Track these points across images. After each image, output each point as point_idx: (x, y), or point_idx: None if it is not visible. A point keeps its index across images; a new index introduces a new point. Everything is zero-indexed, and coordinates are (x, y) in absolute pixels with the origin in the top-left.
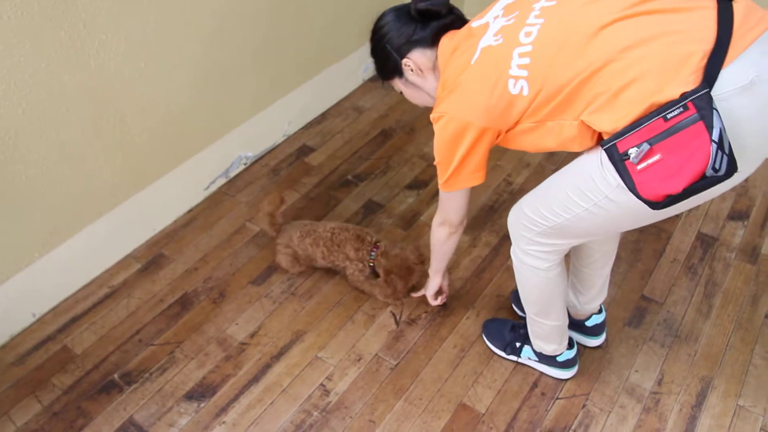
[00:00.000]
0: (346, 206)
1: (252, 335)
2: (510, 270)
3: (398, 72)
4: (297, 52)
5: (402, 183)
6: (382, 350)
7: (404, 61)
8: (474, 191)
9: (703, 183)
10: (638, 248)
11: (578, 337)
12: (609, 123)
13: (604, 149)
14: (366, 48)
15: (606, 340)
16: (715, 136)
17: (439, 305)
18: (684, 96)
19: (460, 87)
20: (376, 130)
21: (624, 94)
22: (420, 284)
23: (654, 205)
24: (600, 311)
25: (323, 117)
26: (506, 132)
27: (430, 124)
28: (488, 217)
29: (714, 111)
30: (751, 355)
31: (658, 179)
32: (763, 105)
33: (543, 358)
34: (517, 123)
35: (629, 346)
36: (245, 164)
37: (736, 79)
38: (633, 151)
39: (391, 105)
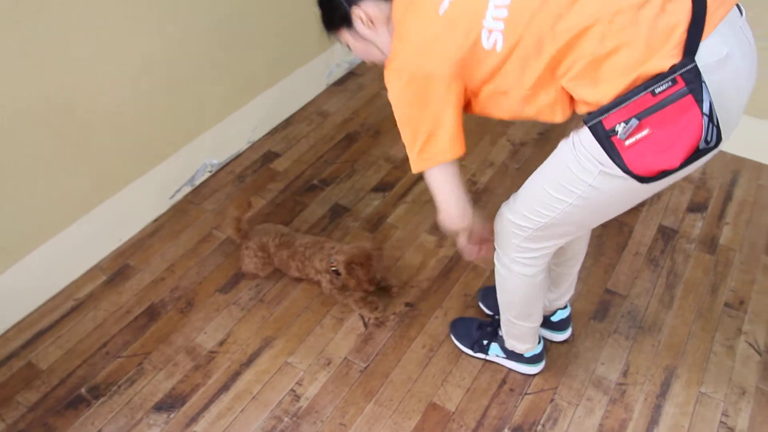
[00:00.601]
0: (312, 211)
1: (221, 343)
2: (477, 269)
3: (347, 22)
4: (260, 59)
5: (368, 186)
6: (351, 353)
7: (354, 10)
8: None
9: (696, 155)
10: (601, 243)
11: (544, 333)
12: (592, 94)
13: (588, 126)
14: (330, 53)
15: (572, 334)
16: (706, 109)
17: (485, 255)
18: (673, 69)
19: (422, 38)
20: (341, 134)
21: (608, 63)
22: (385, 276)
23: (645, 180)
24: (565, 306)
25: (288, 122)
26: (474, 94)
27: (396, 126)
28: None
29: (703, 84)
30: (711, 343)
31: (651, 154)
32: (734, 78)
33: (511, 355)
34: (483, 84)
35: (595, 339)
36: (210, 172)
37: (713, 53)
38: (621, 127)
39: (356, 109)
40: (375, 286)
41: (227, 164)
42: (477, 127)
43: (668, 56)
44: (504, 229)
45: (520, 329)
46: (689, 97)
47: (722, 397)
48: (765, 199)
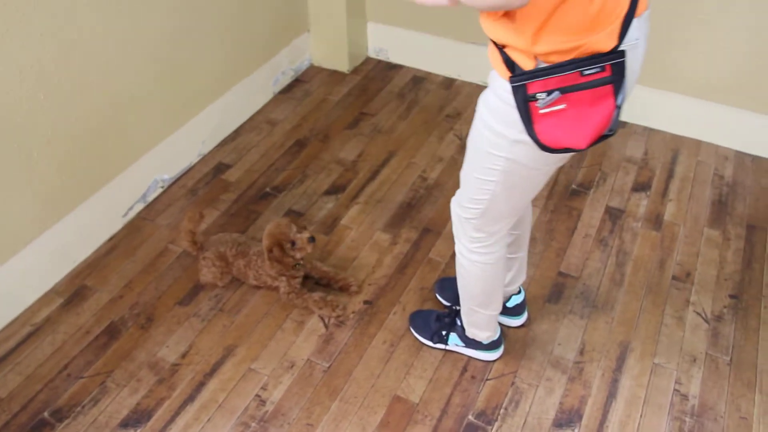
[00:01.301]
0: (266, 218)
1: (183, 355)
2: (432, 262)
3: None
4: (204, 72)
5: (320, 190)
6: (313, 354)
7: None
8: (390, 189)
9: (599, 140)
10: (551, 228)
11: (501, 319)
12: (539, 45)
13: (512, 84)
14: (274, 62)
15: (528, 318)
16: (620, 101)
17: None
18: (609, 54)
19: None
20: (290, 140)
21: (570, 10)
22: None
23: (548, 150)
24: (519, 291)
25: (237, 133)
26: None
27: (345, 129)
28: (407, 213)
29: (624, 78)
30: (662, 316)
31: (561, 129)
32: (636, 62)
33: (470, 343)
34: None
35: (551, 321)
36: (162, 187)
37: (630, 38)
38: (542, 96)
39: (304, 115)
40: (309, 248)
41: (179, 178)
42: (424, 124)
43: (608, 36)
44: (456, 221)
45: (481, 317)
46: (610, 87)
47: (675, 366)
48: (704, 175)
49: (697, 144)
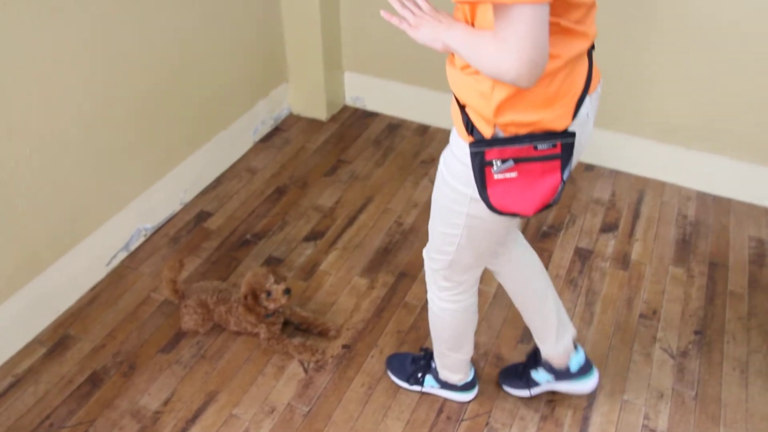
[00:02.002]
0: (247, 265)
1: (165, 403)
2: (408, 305)
3: None
4: (184, 124)
5: (299, 236)
6: (293, 399)
7: None
8: (367, 235)
9: (544, 209)
10: None
11: (571, 386)
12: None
13: (472, 150)
14: (254, 110)
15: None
16: (566, 176)
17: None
18: (562, 134)
19: None
20: (270, 188)
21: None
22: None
23: (497, 212)
24: (576, 349)
25: (218, 181)
26: None
27: (323, 176)
28: (383, 258)
29: (572, 156)
30: (630, 353)
31: (511, 196)
32: (581, 138)
33: (444, 385)
34: None
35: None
36: (145, 236)
37: (581, 114)
38: (498, 163)
39: (283, 163)
40: (283, 299)
41: (162, 227)
42: (399, 170)
43: (564, 113)
44: (427, 270)
45: (452, 360)
46: (557, 162)
47: (643, 402)
48: (669, 215)
49: (662, 185)
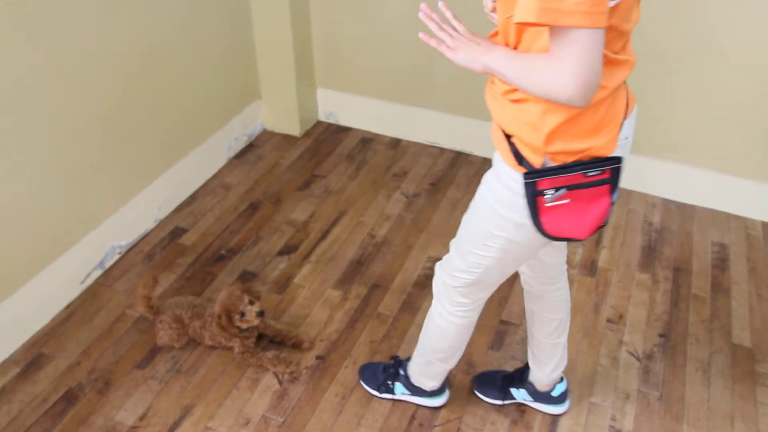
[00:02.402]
0: (221, 280)
1: (141, 418)
2: (381, 316)
3: None
4: (158, 141)
5: (273, 251)
6: (268, 410)
7: None
8: (340, 248)
9: (596, 231)
10: None
11: (545, 407)
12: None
13: (525, 181)
14: (228, 127)
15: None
16: (614, 199)
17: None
18: (609, 160)
19: None
20: (244, 204)
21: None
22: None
23: (551, 238)
24: (562, 380)
25: (193, 198)
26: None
27: (296, 191)
28: (357, 270)
29: (619, 179)
30: (598, 357)
31: (565, 222)
32: (626, 154)
33: (415, 390)
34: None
35: (494, 367)
36: (120, 253)
37: (621, 137)
38: (550, 192)
39: (257, 179)
40: (256, 321)
41: (136, 244)
42: (372, 184)
43: (610, 139)
44: (439, 285)
45: (437, 369)
46: (607, 187)
47: (610, 404)
48: (635, 222)
49: (628, 193)
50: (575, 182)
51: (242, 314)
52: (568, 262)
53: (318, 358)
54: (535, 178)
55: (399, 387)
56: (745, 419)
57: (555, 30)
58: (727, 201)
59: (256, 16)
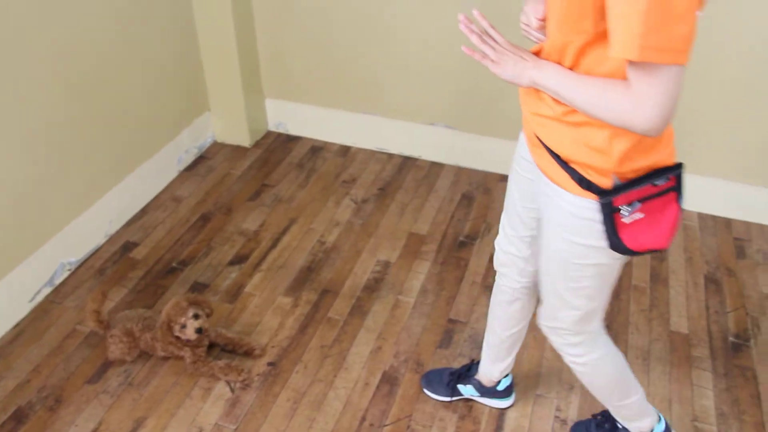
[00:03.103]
0: (173, 292)
1: None
2: (331, 321)
3: None
4: (105, 156)
5: (224, 261)
6: (221, 418)
7: None
8: (291, 255)
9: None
10: (441, 279)
11: (491, 402)
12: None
13: (601, 202)
14: (178, 140)
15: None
16: (682, 204)
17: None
18: (674, 167)
19: None
20: (195, 215)
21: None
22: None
23: (634, 253)
24: (507, 375)
25: (144, 212)
26: None
27: (247, 201)
28: (307, 277)
29: (682, 183)
30: (543, 350)
31: (644, 235)
32: None
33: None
34: None
35: (442, 365)
36: (70, 270)
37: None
38: (625, 208)
39: (208, 190)
40: (193, 336)
41: (87, 260)
42: (322, 191)
43: (672, 149)
44: (554, 338)
45: (630, 408)
46: (674, 194)
47: (555, 395)
48: None
49: None
50: (647, 194)
51: (183, 326)
52: None
53: (269, 364)
54: (609, 198)
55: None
56: (682, 402)
57: (645, 64)
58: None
59: (200, 29)
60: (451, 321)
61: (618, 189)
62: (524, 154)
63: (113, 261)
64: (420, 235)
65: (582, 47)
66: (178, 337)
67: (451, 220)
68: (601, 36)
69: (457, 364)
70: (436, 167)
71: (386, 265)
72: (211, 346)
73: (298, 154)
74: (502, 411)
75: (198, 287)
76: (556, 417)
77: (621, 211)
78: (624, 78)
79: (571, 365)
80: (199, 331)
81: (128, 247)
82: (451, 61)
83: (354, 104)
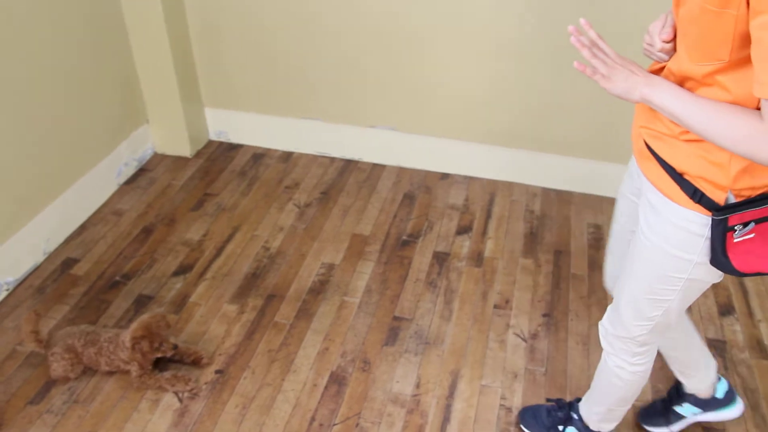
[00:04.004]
0: (117, 306)
1: None
2: (278, 325)
3: None
4: (38, 172)
5: (168, 272)
6: (169, 429)
7: None
8: (236, 262)
9: None
10: (385, 278)
11: (718, 415)
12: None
13: (715, 218)
14: (116, 153)
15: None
16: None
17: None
18: None
19: None
20: (137, 228)
21: None
22: (195, 350)
23: (742, 274)
24: (719, 379)
25: (83, 227)
26: None
27: (190, 211)
28: (252, 283)
29: None
30: (487, 341)
31: (753, 256)
32: None
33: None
34: None
35: (389, 362)
36: (8, 290)
37: None
38: (739, 227)
39: (150, 202)
40: (170, 353)
41: (25, 279)
42: (265, 197)
43: None
44: (613, 341)
45: (619, 413)
46: None
47: (499, 384)
48: (518, 212)
49: (510, 185)
50: (762, 215)
51: (161, 343)
52: (456, 255)
53: (217, 372)
54: (726, 215)
55: (572, 430)
56: None
57: None
58: (599, 185)
59: (134, 40)
60: (396, 318)
61: (733, 207)
62: (633, 172)
63: (53, 279)
64: (363, 236)
65: (711, 73)
66: (144, 353)
67: (393, 220)
68: (733, 65)
69: (403, 360)
70: (377, 169)
71: (331, 267)
72: (157, 358)
73: (240, 161)
74: (449, 403)
75: (142, 299)
76: (502, 405)
77: (734, 230)
78: (744, 105)
79: (612, 370)
80: (175, 347)
81: (69, 263)
82: (388, 63)
83: (294, 110)
